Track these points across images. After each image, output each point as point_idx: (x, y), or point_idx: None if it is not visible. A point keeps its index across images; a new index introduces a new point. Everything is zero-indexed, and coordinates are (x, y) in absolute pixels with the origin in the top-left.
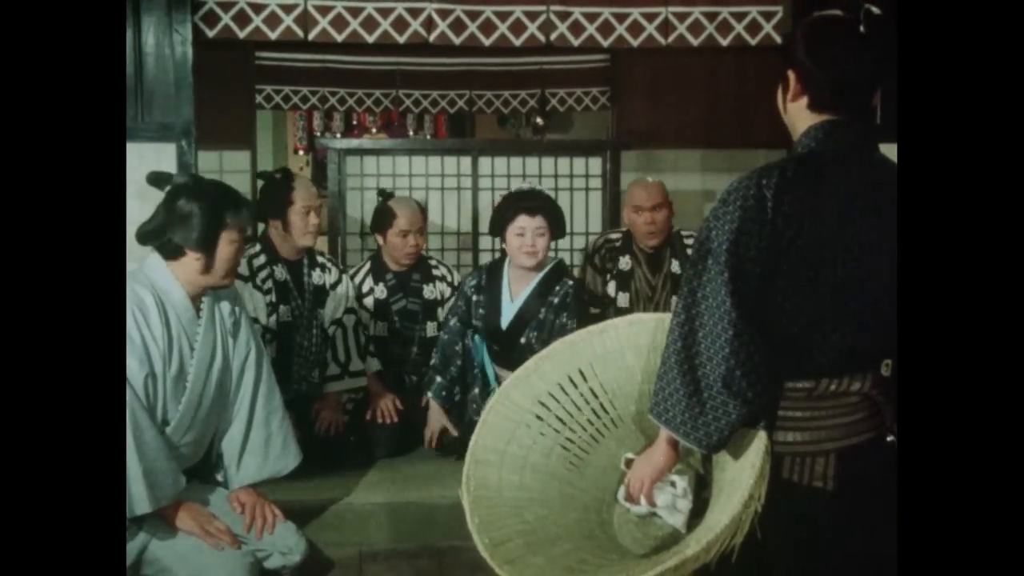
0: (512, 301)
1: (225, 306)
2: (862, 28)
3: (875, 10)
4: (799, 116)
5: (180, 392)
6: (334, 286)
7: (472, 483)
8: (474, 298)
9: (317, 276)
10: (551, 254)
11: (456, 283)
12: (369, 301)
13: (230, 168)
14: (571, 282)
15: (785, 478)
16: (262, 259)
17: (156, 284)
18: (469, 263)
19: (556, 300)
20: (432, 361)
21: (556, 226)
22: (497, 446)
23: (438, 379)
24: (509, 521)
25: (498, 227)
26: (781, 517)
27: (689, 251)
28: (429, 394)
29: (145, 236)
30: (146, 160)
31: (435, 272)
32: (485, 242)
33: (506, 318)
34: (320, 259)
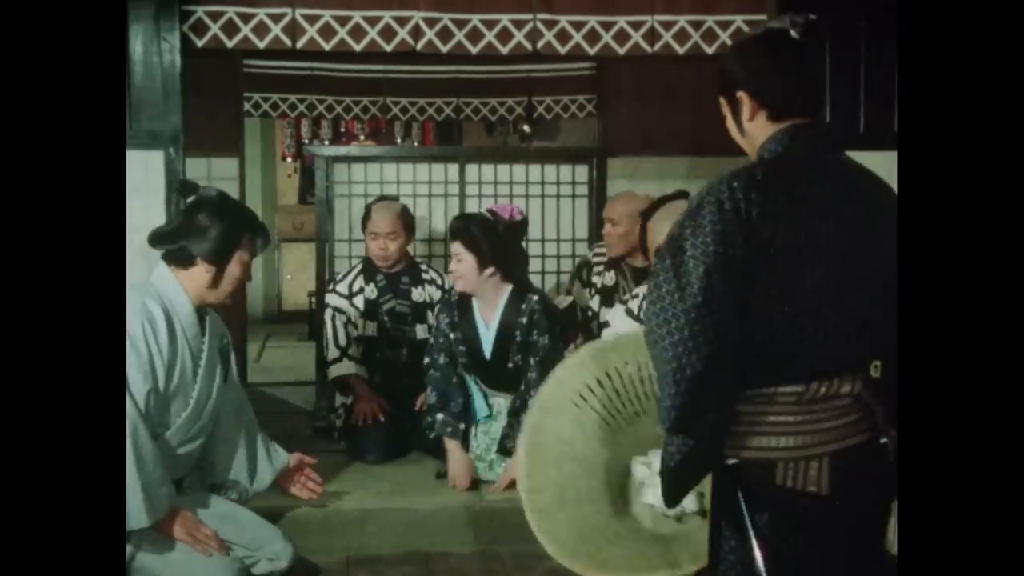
0: (488, 328)
1: (216, 319)
2: (793, 34)
3: (798, 18)
4: (761, 131)
5: (180, 405)
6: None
7: (533, 431)
8: (452, 335)
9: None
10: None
11: (445, 287)
12: (359, 300)
13: (218, 175)
14: (536, 297)
15: (779, 484)
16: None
17: (166, 296)
18: None
19: (525, 319)
20: (430, 401)
21: (478, 249)
22: (560, 401)
23: (440, 416)
24: (550, 472)
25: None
26: (776, 522)
27: None
28: (437, 432)
29: (158, 239)
30: (134, 168)
31: (424, 276)
32: None
33: (487, 347)
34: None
